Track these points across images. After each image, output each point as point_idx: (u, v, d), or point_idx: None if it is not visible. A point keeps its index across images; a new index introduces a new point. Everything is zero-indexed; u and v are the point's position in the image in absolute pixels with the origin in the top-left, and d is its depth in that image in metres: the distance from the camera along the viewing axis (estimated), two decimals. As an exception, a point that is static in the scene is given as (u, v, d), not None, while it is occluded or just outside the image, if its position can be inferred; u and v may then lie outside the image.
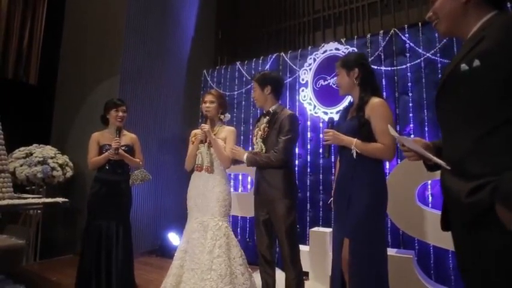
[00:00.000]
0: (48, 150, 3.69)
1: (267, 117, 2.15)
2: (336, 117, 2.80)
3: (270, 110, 2.16)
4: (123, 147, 2.56)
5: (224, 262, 2.03)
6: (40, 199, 2.66)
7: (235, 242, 2.17)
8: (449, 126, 0.98)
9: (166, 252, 3.80)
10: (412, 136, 2.99)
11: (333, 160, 3.31)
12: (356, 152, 1.62)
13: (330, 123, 1.81)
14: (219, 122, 2.39)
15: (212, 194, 2.21)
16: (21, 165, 3.42)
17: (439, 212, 2.89)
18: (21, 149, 3.58)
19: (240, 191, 4.00)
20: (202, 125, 2.29)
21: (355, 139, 1.63)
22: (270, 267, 2.12)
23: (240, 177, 4.06)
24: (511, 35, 0.82)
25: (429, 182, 2.81)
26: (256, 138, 2.15)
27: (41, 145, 3.75)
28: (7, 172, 2.50)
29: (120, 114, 2.58)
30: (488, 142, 0.84)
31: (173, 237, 3.98)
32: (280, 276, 2.23)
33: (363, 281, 1.57)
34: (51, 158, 3.60)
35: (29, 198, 2.64)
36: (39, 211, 3.58)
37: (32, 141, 3.74)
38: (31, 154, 3.53)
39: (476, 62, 0.85)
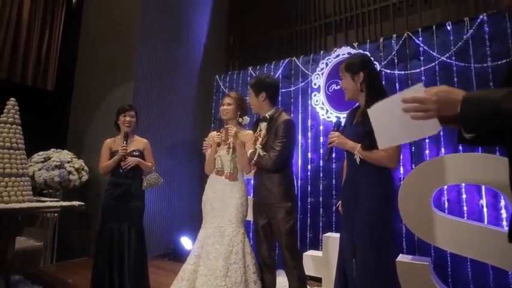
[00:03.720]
0: (65, 155, 3.78)
1: (265, 123, 2.16)
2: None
3: (267, 115, 2.16)
4: (135, 152, 2.61)
5: (240, 269, 2.01)
6: (57, 202, 2.73)
7: (250, 250, 2.15)
8: None
9: (178, 256, 3.83)
10: (427, 141, 2.94)
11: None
12: (360, 158, 1.61)
13: (337, 126, 1.80)
14: (238, 125, 2.32)
15: (231, 200, 2.17)
16: (39, 169, 3.52)
17: (456, 218, 2.81)
18: (40, 153, 3.69)
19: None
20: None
21: (359, 145, 1.62)
22: (270, 272, 2.13)
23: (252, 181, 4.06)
24: None
25: (446, 187, 2.75)
26: (256, 144, 2.13)
27: (58, 150, 3.85)
28: (27, 176, 2.57)
29: (127, 119, 2.65)
30: None
31: (185, 241, 4.01)
32: (282, 279, 2.24)
33: (374, 286, 1.55)
34: (68, 162, 3.69)
35: (47, 201, 2.71)
36: (56, 214, 3.67)
37: (49, 146, 3.85)
38: (49, 158, 3.63)
39: None
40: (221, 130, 2.24)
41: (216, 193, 2.22)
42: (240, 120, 2.31)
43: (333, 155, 3.44)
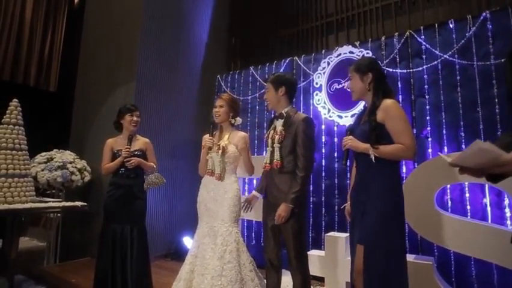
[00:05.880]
0: (68, 155, 3.80)
1: (282, 120, 2.12)
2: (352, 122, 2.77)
3: (283, 112, 2.14)
4: (137, 152, 2.61)
5: (234, 268, 2.02)
6: (60, 203, 2.75)
7: (245, 248, 2.16)
8: None
9: (180, 256, 3.83)
10: (430, 140, 2.93)
11: (348, 164, 3.27)
12: (375, 156, 1.60)
13: (350, 130, 1.81)
14: (231, 126, 2.34)
15: (223, 199, 2.19)
16: (42, 170, 3.53)
17: (459, 217, 2.78)
18: (43, 154, 3.70)
19: (254, 195, 4.00)
20: (207, 136, 2.28)
21: (368, 145, 1.62)
22: (276, 272, 2.12)
23: (255, 181, 4.06)
24: None
25: (449, 186, 2.73)
26: (274, 142, 2.10)
27: (60, 150, 3.87)
28: (30, 176, 2.59)
29: (135, 118, 2.64)
30: None
31: (187, 241, 4.01)
32: (286, 279, 2.23)
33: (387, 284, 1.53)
34: (70, 162, 3.71)
35: (50, 201, 2.72)
36: (59, 214, 3.69)
37: (52, 146, 3.86)
38: (52, 159, 3.65)
39: None
40: (213, 134, 2.25)
41: (209, 193, 2.24)
42: (233, 121, 2.32)
43: (335, 154, 3.45)
